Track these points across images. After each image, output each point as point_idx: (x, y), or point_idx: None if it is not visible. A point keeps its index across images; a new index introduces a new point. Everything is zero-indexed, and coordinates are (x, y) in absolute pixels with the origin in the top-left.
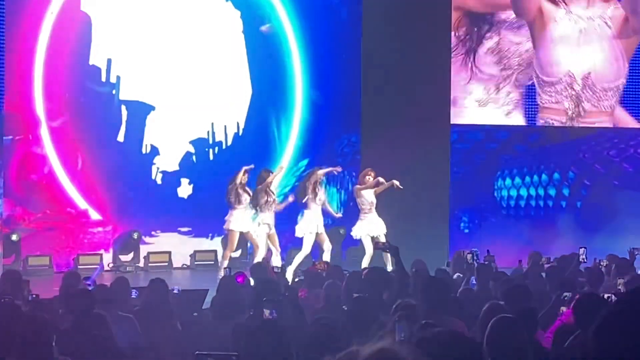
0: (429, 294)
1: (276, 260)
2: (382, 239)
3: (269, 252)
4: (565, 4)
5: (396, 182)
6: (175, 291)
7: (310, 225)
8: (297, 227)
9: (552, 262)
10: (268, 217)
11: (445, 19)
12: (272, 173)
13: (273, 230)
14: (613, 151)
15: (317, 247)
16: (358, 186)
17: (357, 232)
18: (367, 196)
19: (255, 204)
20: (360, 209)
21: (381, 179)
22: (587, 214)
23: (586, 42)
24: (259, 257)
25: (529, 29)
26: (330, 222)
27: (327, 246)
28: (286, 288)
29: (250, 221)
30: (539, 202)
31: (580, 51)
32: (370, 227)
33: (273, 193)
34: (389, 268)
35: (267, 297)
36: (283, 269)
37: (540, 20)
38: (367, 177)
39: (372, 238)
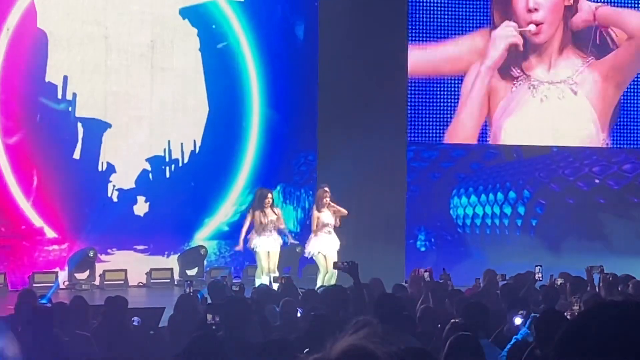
0: (382, 310)
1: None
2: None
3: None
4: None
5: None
6: (135, 323)
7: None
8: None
9: (507, 280)
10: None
11: (401, 37)
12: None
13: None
14: (568, 170)
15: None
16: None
17: (310, 250)
18: (323, 217)
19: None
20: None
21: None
22: (543, 233)
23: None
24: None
25: None
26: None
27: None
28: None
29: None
30: (494, 221)
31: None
32: (322, 246)
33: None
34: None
35: (212, 302)
36: (241, 286)
37: None
38: (324, 199)
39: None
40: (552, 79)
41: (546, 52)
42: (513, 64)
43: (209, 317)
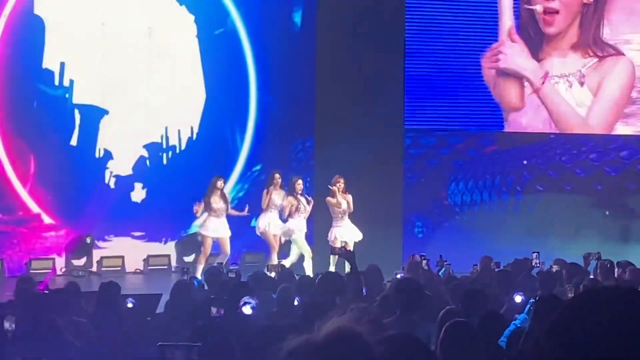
0: (401, 296)
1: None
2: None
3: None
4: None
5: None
6: (129, 304)
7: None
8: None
9: (504, 266)
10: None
11: (399, 25)
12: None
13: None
14: (565, 157)
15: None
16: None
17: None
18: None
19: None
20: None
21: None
22: (540, 219)
23: None
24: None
25: None
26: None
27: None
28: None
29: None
30: (492, 207)
31: None
32: (341, 233)
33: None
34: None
35: (214, 296)
36: (238, 272)
37: None
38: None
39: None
40: (562, 72)
41: (559, 45)
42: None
43: (213, 310)
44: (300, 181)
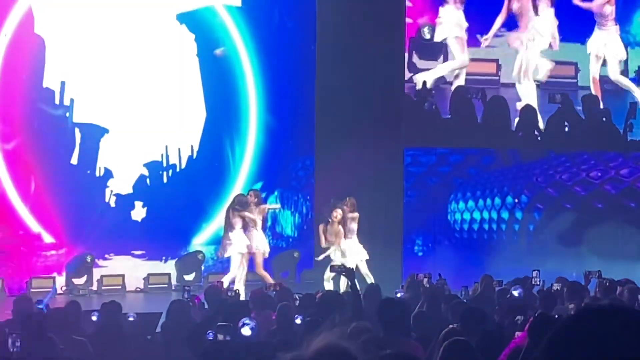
0: (385, 315)
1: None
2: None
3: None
4: None
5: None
6: (130, 318)
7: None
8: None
9: (504, 285)
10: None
11: (399, 41)
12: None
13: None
14: (565, 175)
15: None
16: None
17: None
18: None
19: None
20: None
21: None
22: (540, 238)
23: None
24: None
25: None
26: (283, 245)
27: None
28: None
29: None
30: (492, 226)
31: None
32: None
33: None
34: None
35: (221, 323)
36: (237, 291)
37: None
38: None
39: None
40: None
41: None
42: None
43: (220, 337)
44: None
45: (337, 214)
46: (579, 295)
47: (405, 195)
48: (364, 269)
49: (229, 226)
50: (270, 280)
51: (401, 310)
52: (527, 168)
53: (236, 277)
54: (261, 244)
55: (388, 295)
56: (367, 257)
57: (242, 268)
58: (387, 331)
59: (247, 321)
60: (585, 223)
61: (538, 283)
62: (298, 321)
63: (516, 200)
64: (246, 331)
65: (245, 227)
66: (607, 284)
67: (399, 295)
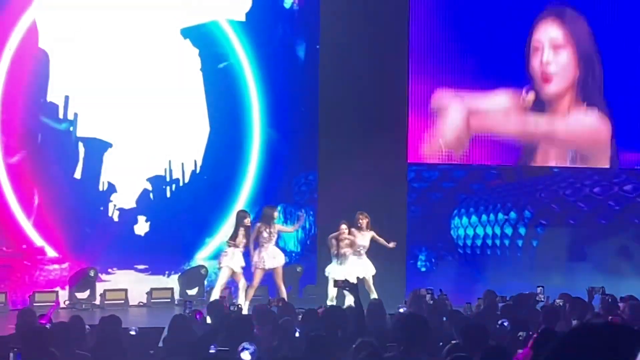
0: (407, 331)
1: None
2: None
3: (226, 289)
4: None
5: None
6: (132, 332)
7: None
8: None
9: (507, 300)
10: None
11: (402, 59)
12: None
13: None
14: (569, 191)
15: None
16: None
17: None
18: (360, 240)
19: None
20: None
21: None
22: (544, 253)
23: None
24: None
25: None
26: (286, 260)
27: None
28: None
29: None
30: (495, 241)
31: None
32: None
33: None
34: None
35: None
36: (239, 306)
37: None
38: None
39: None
40: None
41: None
42: None
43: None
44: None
45: (364, 222)
46: (582, 311)
47: (409, 210)
48: (369, 284)
49: (234, 239)
50: (284, 293)
51: (426, 327)
52: (531, 184)
53: (239, 292)
54: (279, 256)
55: (390, 311)
56: (374, 272)
57: (242, 283)
58: (409, 348)
59: (247, 345)
60: (588, 238)
61: (542, 299)
62: (297, 334)
63: (505, 216)
64: (246, 356)
65: (257, 243)
66: (610, 300)
67: (401, 310)
